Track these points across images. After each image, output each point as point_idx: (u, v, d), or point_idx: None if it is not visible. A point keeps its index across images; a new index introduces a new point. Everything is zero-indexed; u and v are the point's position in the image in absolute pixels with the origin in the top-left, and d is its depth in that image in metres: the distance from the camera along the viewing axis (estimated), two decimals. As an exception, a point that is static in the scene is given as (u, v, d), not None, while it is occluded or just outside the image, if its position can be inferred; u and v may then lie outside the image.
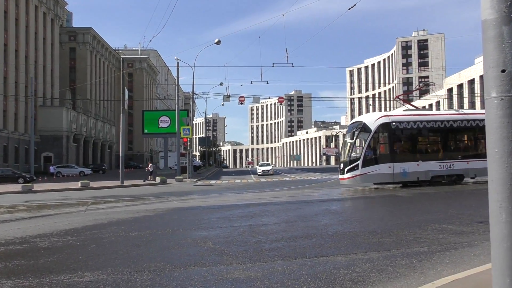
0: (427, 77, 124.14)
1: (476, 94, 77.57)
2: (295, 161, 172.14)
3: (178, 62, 43.10)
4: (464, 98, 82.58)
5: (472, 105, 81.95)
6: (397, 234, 8.61)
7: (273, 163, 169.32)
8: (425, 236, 8.29)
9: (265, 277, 5.88)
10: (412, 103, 38.15)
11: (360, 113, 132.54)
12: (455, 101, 79.65)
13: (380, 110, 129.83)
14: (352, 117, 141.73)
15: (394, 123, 21.12)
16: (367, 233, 8.83)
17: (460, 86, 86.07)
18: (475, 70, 78.77)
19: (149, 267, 6.65)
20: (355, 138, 21.52)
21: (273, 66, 35.55)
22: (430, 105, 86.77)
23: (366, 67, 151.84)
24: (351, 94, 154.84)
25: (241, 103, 42.66)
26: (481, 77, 76.60)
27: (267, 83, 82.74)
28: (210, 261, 6.94)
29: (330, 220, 11.33)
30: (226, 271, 6.31)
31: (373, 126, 20.87)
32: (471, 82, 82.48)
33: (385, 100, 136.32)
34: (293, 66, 34.64)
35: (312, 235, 8.85)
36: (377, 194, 19.07)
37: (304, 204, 16.09)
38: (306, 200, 17.80)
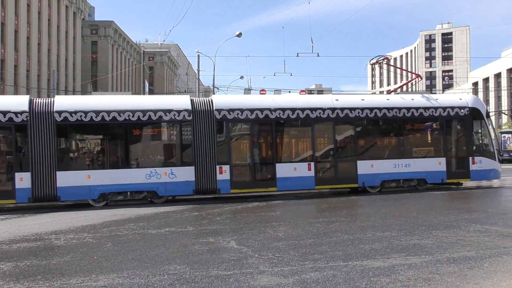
0: (451, 71, 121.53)
1: (502, 88, 75.42)
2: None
3: (198, 55, 42.60)
4: (490, 92, 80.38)
5: (498, 99, 79.75)
6: (436, 236, 7.90)
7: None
8: (469, 239, 7.56)
9: (297, 285, 5.27)
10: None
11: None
12: (480, 95, 77.60)
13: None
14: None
15: None
16: (403, 234, 8.14)
17: (486, 80, 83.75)
18: (502, 64, 76.50)
19: (168, 270, 6.09)
20: None
21: (297, 56, 34.64)
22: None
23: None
24: (372, 88, 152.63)
25: (262, 97, 41.81)
26: (508, 70, 74.41)
27: (291, 75, 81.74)
28: (234, 264, 6.34)
29: (356, 219, 10.65)
30: (252, 276, 5.72)
31: None
32: (498, 76, 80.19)
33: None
34: (318, 56, 33.48)
35: (341, 236, 8.19)
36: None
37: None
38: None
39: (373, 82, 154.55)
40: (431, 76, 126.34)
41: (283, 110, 15.64)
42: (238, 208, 13.10)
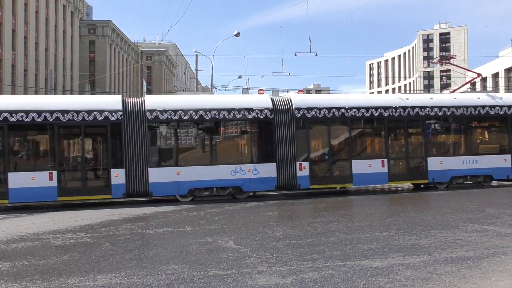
0: (449, 70, 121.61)
1: (500, 88, 75.59)
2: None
3: (196, 55, 42.52)
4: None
5: (496, 99, 79.16)
6: (434, 236, 7.91)
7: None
8: (467, 238, 7.58)
9: (295, 285, 5.27)
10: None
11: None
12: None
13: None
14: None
15: None
16: (401, 234, 8.15)
17: (484, 80, 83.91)
18: (500, 63, 76.64)
19: (166, 270, 6.09)
20: None
21: (295, 55, 34.67)
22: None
23: (386, 61, 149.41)
24: (370, 88, 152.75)
25: (261, 96, 41.81)
26: (506, 70, 74.54)
27: (289, 75, 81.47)
28: (232, 264, 6.35)
29: (354, 218, 10.66)
30: (250, 276, 5.72)
31: None
32: (495, 75, 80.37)
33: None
34: (316, 55, 33.44)
35: (339, 236, 8.20)
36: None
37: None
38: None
39: (371, 82, 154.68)
40: (429, 76, 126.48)
41: (358, 108, 16.05)
42: (236, 208, 13.09)
